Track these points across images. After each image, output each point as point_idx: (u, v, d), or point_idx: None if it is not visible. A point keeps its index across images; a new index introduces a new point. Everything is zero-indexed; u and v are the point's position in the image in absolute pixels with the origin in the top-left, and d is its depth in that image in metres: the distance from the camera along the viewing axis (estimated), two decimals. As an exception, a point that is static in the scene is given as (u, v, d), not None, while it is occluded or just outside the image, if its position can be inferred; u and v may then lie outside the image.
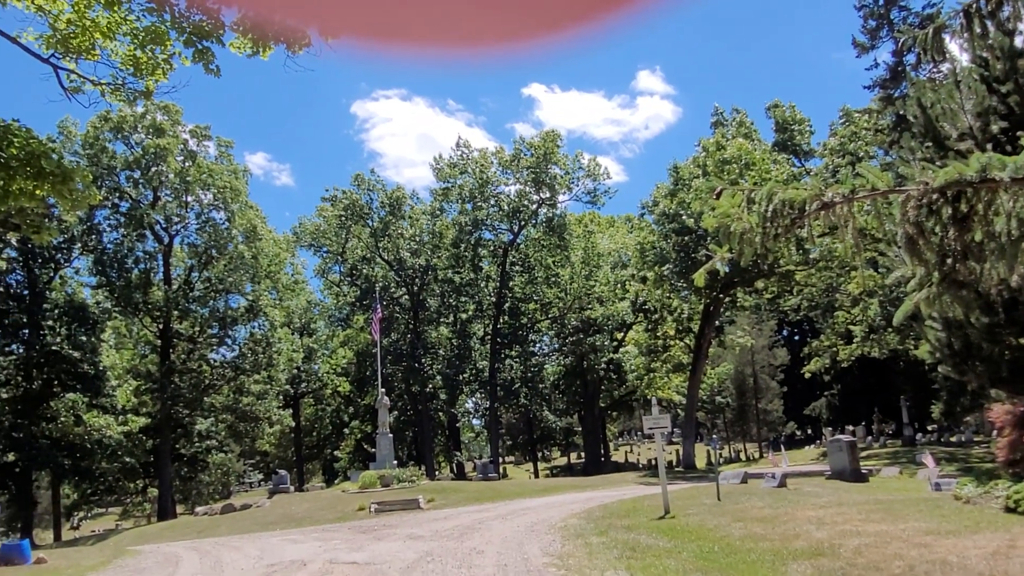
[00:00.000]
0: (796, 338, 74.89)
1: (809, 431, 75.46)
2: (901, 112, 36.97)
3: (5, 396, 39.97)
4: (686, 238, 41.18)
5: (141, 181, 44.22)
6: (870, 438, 51.56)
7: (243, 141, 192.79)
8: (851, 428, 55.82)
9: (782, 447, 48.22)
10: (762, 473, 26.95)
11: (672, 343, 51.80)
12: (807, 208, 6.55)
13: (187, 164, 44.86)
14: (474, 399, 68.67)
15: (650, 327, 50.99)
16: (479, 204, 54.83)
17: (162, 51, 10.56)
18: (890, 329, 43.96)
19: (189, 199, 45.63)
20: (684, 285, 42.83)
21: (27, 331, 40.62)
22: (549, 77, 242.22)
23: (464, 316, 58.46)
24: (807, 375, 58.98)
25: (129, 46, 10.47)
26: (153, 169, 43.77)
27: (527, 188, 54.76)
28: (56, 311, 41.68)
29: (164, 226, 45.81)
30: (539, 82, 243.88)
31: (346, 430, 66.15)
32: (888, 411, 58.37)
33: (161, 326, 45.06)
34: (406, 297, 58.90)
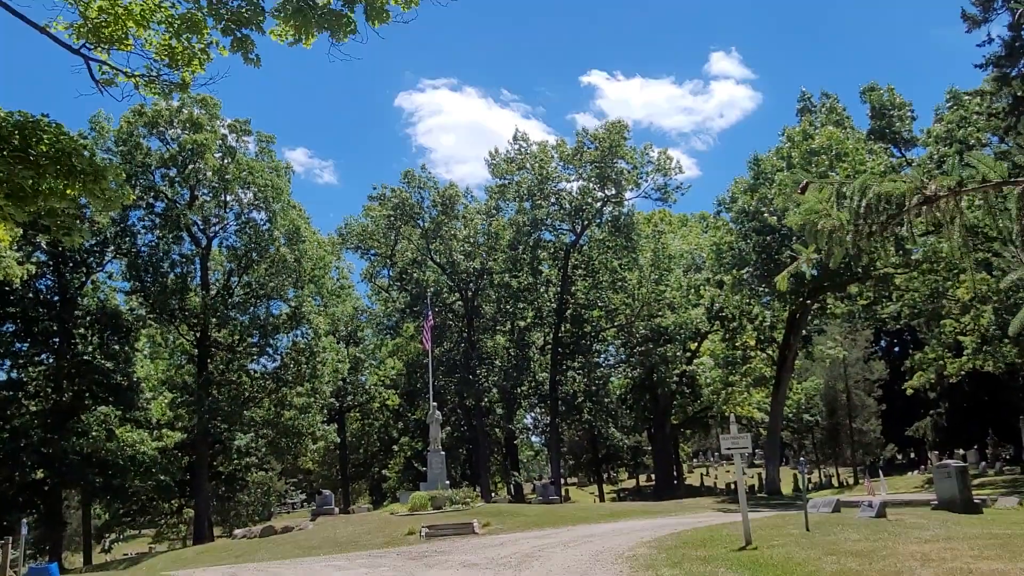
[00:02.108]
0: (896, 350, 73.04)
1: (912, 455, 73.50)
2: (1019, 93, 35.83)
3: (34, 409, 41.35)
4: (768, 238, 40.67)
5: (177, 179, 45.43)
6: (983, 463, 50.01)
7: (283, 136, 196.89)
8: (961, 452, 54.22)
9: (880, 472, 47.11)
10: (857, 501, 26.35)
11: (753, 354, 51.04)
12: (907, 203, 6.39)
13: (226, 161, 45.94)
14: (533, 414, 68.78)
15: (728, 336, 50.33)
16: (538, 202, 54.94)
17: (199, 40, 10.84)
18: (1006, 339, 42.55)
19: (228, 198, 46.72)
20: (766, 290, 42.27)
21: (57, 340, 42.00)
22: (611, 62, 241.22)
23: (522, 324, 58.57)
24: (909, 391, 57.37)
25: (164, 35, 10.76)
26: (190, 166, 44.92)
27: (591, 184, 54.67)
28: (88, 318, 43.07)
29: (202, 227, 46.98)
30: (600, 68, 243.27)
31: (395, 447, 66.82)
32: (1004, 433, 56.48)
33: (198, 334, 46.19)
34: (459, 303, 59.29)
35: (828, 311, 49.18)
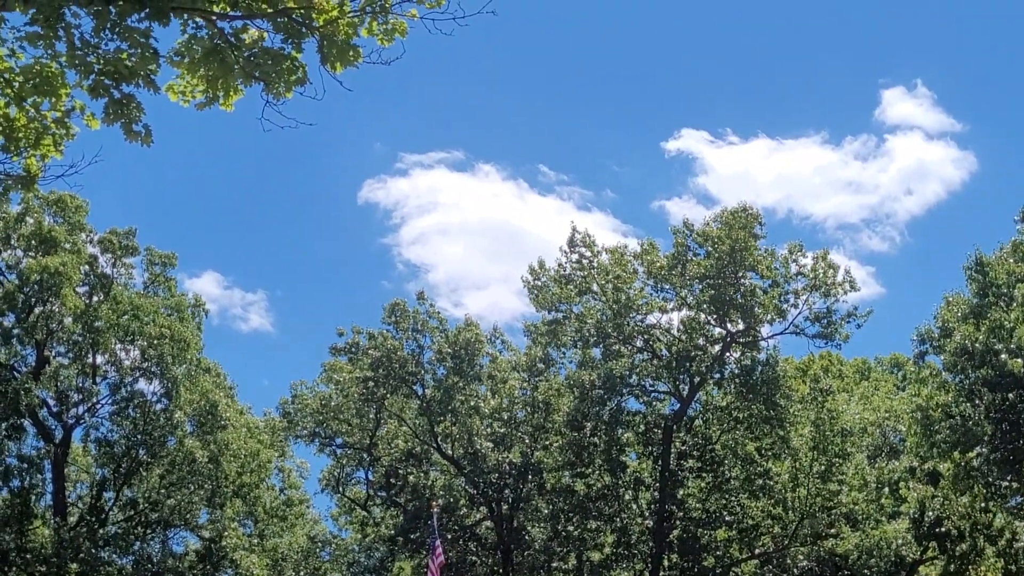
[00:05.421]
0: None
1: None
2: None
3: None
4: (1010, 395, 40.15)
5: (16, 332, 45.95)
6: None
7: (186, 255, 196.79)
8: None
9: None
10: None
11: (999, 599, 49.72)
12: None
13: (96, 299, 46.54)
14: None
15: (954, 569, 49.18)
16: (615, 347, 54.78)
17: (54, 106, 11.20)
18: None
19: (99, 360, 47.13)
20: (1014, 485, 41.46)
21: None
22: (714, 114, 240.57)
23: (596, 557, 57.63)
24: None
25: (-5, 100, 11.11)
26: (37, 310, 45.49)
27: (702, 315, 54.58)
28: None
29: (55, 410, 47.21)
30: (695, 126, 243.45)
31: None
32: None
33: (50, 591, 45.88)
34: (488, 524, 58.63)
35: None
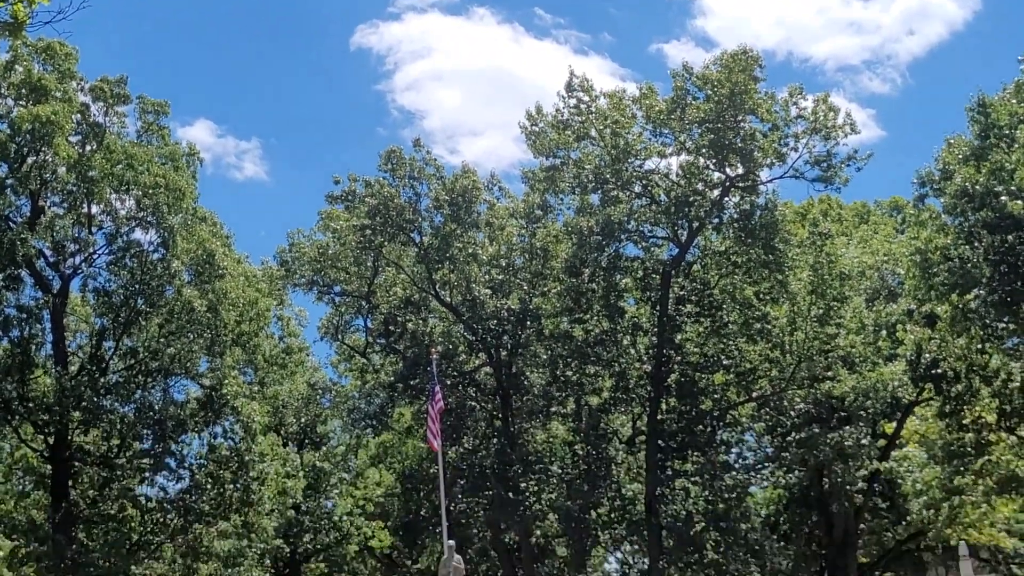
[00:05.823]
0: None
1: None
2: None
3: None
4: (1009, 237, 40.12)
5: (9, 182, 45.71)
6: None
7: (177, 103, 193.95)
8: None
9: None
10: None
11: (993, 438, 50.14)
12: None
13: (89, 148, 46.19)
14: (620, 554, 67.80)
15: (949, 410, 49.51)
16: (613, 193, 54.52)
17: (38, -52, 10.92)
18: None
19: (94, 210, 46.93)
20: (1011, 326, 41.60)
21: None
22: None
23: (595, 401, 58.05)
24: None
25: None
26: (30, 160, 45.18)
27: (701, 159, 54.21)
28: None
29: (52, 260, 47.15)
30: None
31: (387, 619, 66.20)
32: None
33: (52, 439, 46.29)
34: (487, 370, 59.00)
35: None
